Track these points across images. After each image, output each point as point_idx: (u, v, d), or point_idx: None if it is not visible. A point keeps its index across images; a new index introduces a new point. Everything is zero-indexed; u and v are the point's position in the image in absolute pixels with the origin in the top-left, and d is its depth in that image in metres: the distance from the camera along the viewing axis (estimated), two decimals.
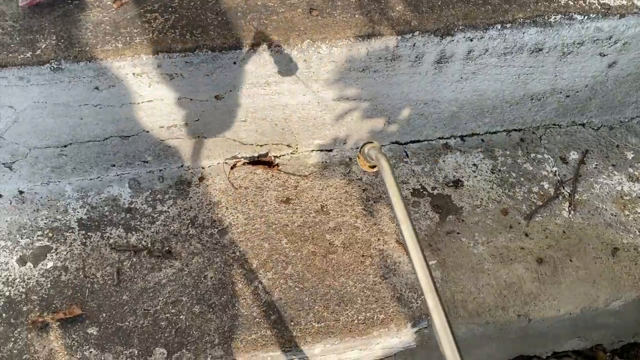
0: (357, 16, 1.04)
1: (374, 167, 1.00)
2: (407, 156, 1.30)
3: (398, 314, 1.07)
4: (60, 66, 0.92)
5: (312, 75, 1.04)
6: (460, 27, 1.05)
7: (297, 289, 1.09)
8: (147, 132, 1.09)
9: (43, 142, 1.06)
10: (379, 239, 1.16)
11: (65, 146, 1.08)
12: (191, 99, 1.04)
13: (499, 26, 1.07)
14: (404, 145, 1.32)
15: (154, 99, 1.01)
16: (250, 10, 1.02)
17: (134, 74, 0.95)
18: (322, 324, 1.05)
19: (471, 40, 1.07)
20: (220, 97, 1.05)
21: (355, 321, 1.06)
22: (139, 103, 1.01)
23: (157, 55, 0.93)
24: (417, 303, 1.08)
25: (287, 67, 1.02)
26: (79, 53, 0.92)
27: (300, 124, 1.17)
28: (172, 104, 1.04)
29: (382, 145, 1.29)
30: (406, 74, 1.11)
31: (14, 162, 1.10)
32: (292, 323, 1.04)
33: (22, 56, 0.91)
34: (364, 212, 1.20)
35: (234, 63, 0.99)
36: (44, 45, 0.92)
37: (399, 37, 1.03)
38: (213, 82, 1.01)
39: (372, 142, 0.96)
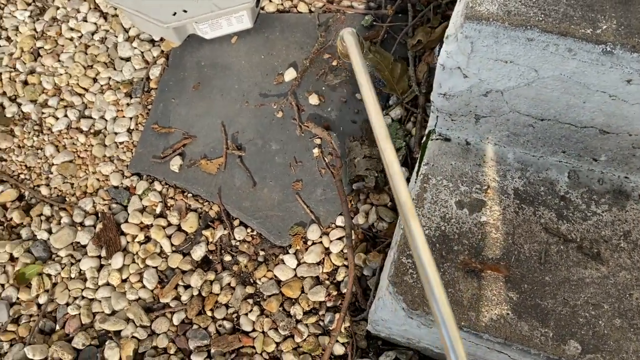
0: None
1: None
2: None
3: None
4: (612, 51, 0.93)
5: None
6: None
7: None
8: (630, 135, 1.07)
9: (529, 109, 1.11)
10: None
11: (542, 119, 1.12)
12: None
13: None
14: None
15: None
16: None
17: None
18: None
19: None
20: None
21: None
22: None
23: None
24: None
25: None
26: (638, 44, 0.92)
27: None
28: None
29: None
30: None
31: (484, 117, 1.17)
32: None
33: (582, 31, 0.94)
34: None
35: None
36: (604, 27, 0.94)
37: None
38: None
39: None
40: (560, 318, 1.04)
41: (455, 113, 1.21)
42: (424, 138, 1.29)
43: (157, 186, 1.52)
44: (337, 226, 1.42)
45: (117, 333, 1.33)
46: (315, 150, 1.50)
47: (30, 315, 1.37)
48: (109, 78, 1.70)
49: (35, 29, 1.79)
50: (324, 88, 1.59)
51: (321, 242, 1.41)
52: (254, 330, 1.32)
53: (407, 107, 1.51)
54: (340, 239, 1.39)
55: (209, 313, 1.35)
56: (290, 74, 1.60)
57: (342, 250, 1.38)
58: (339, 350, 1.28)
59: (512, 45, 0.99)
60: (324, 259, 1.39)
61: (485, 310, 1.05)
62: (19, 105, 1.68)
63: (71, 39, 1.77)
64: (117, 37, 1.75)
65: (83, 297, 1.38)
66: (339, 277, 1.36)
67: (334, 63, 1.61)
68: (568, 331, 1.03)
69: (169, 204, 1.51)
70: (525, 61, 1.00)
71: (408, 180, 1.42)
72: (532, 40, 0.97)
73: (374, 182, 1.38)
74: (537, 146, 1.20)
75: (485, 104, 1.15)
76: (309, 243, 1.41)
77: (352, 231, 1.36)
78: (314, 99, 1.56)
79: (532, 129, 1.16)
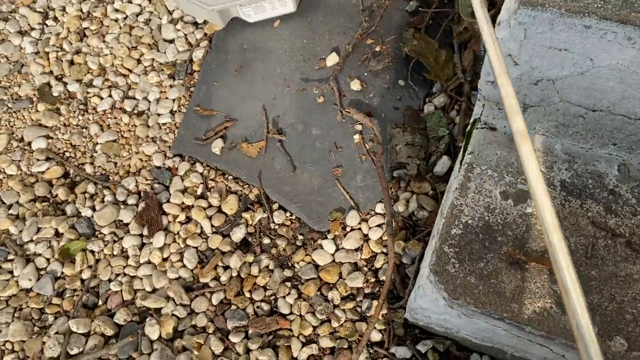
0: None
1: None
2: None
3: None
4: None
5: None
6: None
7: None
8: None
9: (581, 99, 1.08)
10: None
11: (594, 110, 1.09)
12: None
13: None
14: None
15: None
16: None
17: None
18: None
19: None
20: None
21: None
22: None
23: None
24: None
25: None
26: None
27: None
28: None
29: None
30: None
31: (533, 106, 1.14)
32: None
33: None
34: None
35: None
36: None
37: None
38: None
39: None
40: (606, 314, 1.02)
41: (502, 101, 1.19)
42: (469, 127, 1.27)
43: (199, 168, 1.54)
44: (376, 213, 1.41)
45: (158, 310, 1.35)
46: (356, 137, 1.49)
47: (74, 290, 1.41)
48: (153, 60, 1.72)
49: (81, 10, 1.82)
50: (366, 74, 1.58)
51: (360, 229, 1.41)
52: (291, 313, 1.33)
53: (451, 95, 1.49)
54: (379, 226, 1.39)
55: (247, 294, 1.36)
56: (332, 59, 1.59)
57: (380, 238, 1.38)
58: (376, 336, 1.28)
59: (567, 32, 0.96)
60: (362, 245, 1.38)
61: (528, 303, 1.04)
62: (65, 84, 1.71)
63: (116, 20, 1.79)
64: (161, 19, 1.77)
65: (125, 274, 1.41)
66: (377, 264, 1.36)
67: (377, 49, 1.60)
68: (614, 327, 1.01)
69: (209, 186, 1.52)
70: (581, 49, 0.98)
71: (451, 169, 1.40)
72: (589, 27, 0.94)
73: (415, 170, 1.37)
74: (586, 138, 1.17)
75: (535, 92, 1.12)
76: (348, 229, 1.41)
77: (393, 218, 1.36)
78: (355, 85, 1.55)
79: (583, 119, 1.14)
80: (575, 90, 1.08)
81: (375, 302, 1.30)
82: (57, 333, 1.33)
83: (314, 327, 1.31)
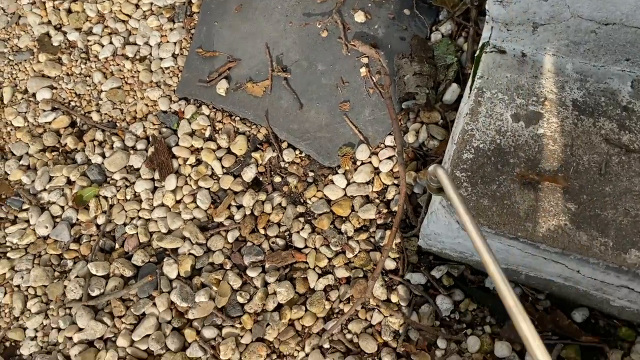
0: None
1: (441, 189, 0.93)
2: None
3: None
4: None
5: None
6: None
7: None
8: None
9: (592, 13, 1.05)
10: None
11: (606, 24, 1.07)
12: None
13: None
14: None
15: None
16: None
17: None
18: None
19: None
20: None
21: None
22: None
23: None
24: None
25: None
26: None
27: None
28: None
29: None
30: None
31: (543, 25, 1.12)
32: None
33: None
34: None
35: None
36: None
37: None
38: None
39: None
40: (621, 228, 1.02)
41: (511, 22, 1.16)
42: (477, 51, 1.25)
43: (205, 110, 1.53)
44: (386, 146, 1.41)
45: (174, 250, 1.37)
46: (363, 70, 1.47)
47: (91, 235, 1.42)
48: (151, 4, 1.69)
49: None
50: (370, 5, 1.54)
51: (370, 162, 1.40)
52: (306, 247, 1.35)
53: (458, 22, 1.46)
54: (389, 158, 1.39)
55: (262, 231, 1.38)
56: None
57: (391, 170, 1.38)
58: (390, 265, 1.30)
59: None
60: (373, 178, 1.39)
61: (542, 221, 1.04)
62: (65, 33, 1.69)
63: None
64: None
65: (139, 218, 1.43)
66: (389, 196, 1.36)
67: None
68: (629, 240, 1.01)
69: (217, 128, 1.52)
70: None
71: (460, 96, 1.39)
72: None
73: (424, 99, 1.36)
74: (598, 55, 1.15)
75: (545, 9, 1.10)
76: (358, 163, 1.41)
77: (403, 148, 1.35)
78: (360, 17, 1.51)
79: (595, 35, 1.11)
80: (587, 4, 1.05)
81: (388, 232, 1.31)
82: (77, 277, 1.35)
83: (329, 259, 1.32)
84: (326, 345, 1.25)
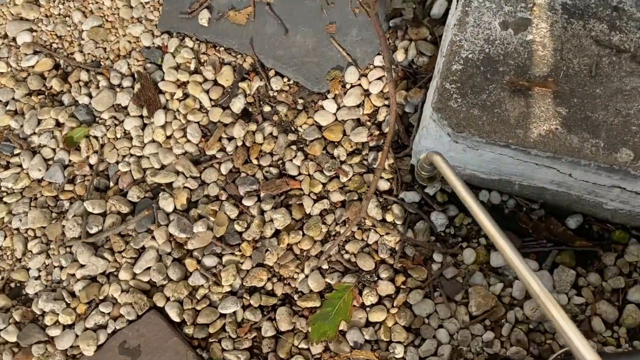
0: None
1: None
2: None
3: None
4: None
5: None
6: None
7: None
8: None
9: None
10: None
11: None
12: None
13: None
14: None
15: None
16: None
17: None
18: None
19: None
20: None
21: None
22: None
23: None
24: None
25: None
26: None
27: None
28: None
29: None
30: None
31: None
32: None
33: None
34: None
35: None
36: None
37: None
38: None
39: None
40: (612, 128, 1.02)
41: None
42: None
43: (189, 42, 1.50)
44: (375, 66, 1.39)
45: (169, 185, 1.38)
46: None
47: (84, 175, 1.42)
48: None
49: None
50: None
51: (360, 85, 1.38)
52: (299, 174, 1.35)
53: None
54: (379, 79, 1.37)
55: (255, 161, 1.37)
56: None
57: (381, 91, 1.36)
58: (384, 185, 1.30)
59: None
60: (363, 100, 1.37)
61: (533, 127, 1.04)
62: None
63: None
64: None
65: (131, 155, 1.42)
66: (380, 118, 1.35)
67: None
68: (620, 140, 1.01)
69: (202, 60, 1.49)
70: None
71: (448, 10, 1.35)
72: None
73: (412, 14, 1.32)
74: None
75: None
76: (348, 86, 1.39)
77: (392, 66, 1.33)
78: None
79: None
80: None
81: (380, 154, 1.30)
82: (75, 216, 1.36)
83: (323, 184, 1.33)
84: (325, 266, 1.27)
